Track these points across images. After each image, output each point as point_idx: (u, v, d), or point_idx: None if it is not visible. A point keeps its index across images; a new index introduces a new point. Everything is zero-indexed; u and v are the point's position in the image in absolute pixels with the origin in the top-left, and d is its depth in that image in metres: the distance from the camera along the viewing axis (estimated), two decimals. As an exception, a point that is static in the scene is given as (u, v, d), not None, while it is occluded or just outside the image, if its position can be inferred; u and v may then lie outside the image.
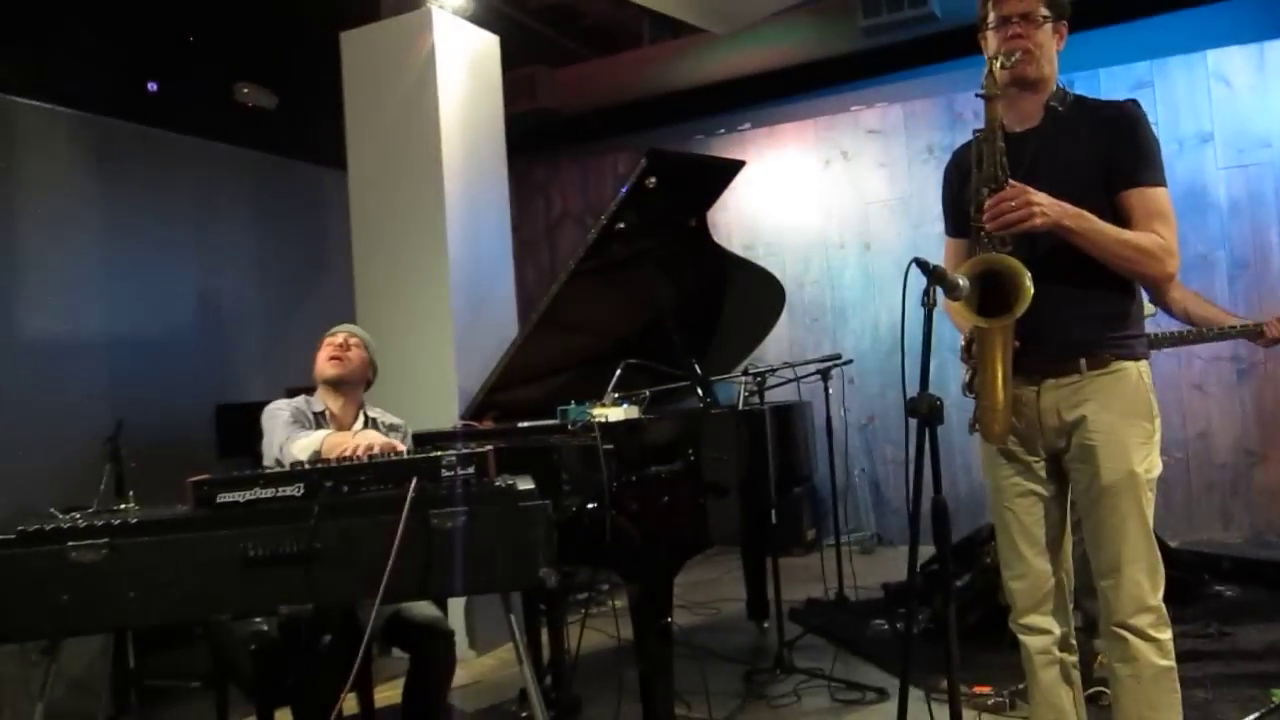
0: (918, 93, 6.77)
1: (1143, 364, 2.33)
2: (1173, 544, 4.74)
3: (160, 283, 5.92)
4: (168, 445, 5.43)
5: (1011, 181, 2.23)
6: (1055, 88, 2.37)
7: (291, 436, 3.00)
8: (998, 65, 2.26)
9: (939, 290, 2.14)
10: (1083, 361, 2.28)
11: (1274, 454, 5.83)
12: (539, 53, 6.87)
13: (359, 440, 2.73)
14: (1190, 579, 4.51)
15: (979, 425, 2.35)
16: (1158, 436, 2.32)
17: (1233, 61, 6.00)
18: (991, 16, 2.35)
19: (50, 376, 5.20)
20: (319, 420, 3.21)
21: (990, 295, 2.22)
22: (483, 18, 5.20)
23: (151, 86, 5.76)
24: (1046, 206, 2.17)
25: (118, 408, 4.96)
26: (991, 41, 2.35)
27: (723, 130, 7.46)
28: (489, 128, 5.18)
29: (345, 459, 2.53)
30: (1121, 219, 2.26)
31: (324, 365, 3.24)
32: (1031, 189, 2.20)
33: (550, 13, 6.75)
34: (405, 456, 2.43)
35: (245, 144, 6.53)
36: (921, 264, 2.13)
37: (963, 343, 2.45)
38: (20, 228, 5.18)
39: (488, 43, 5.22)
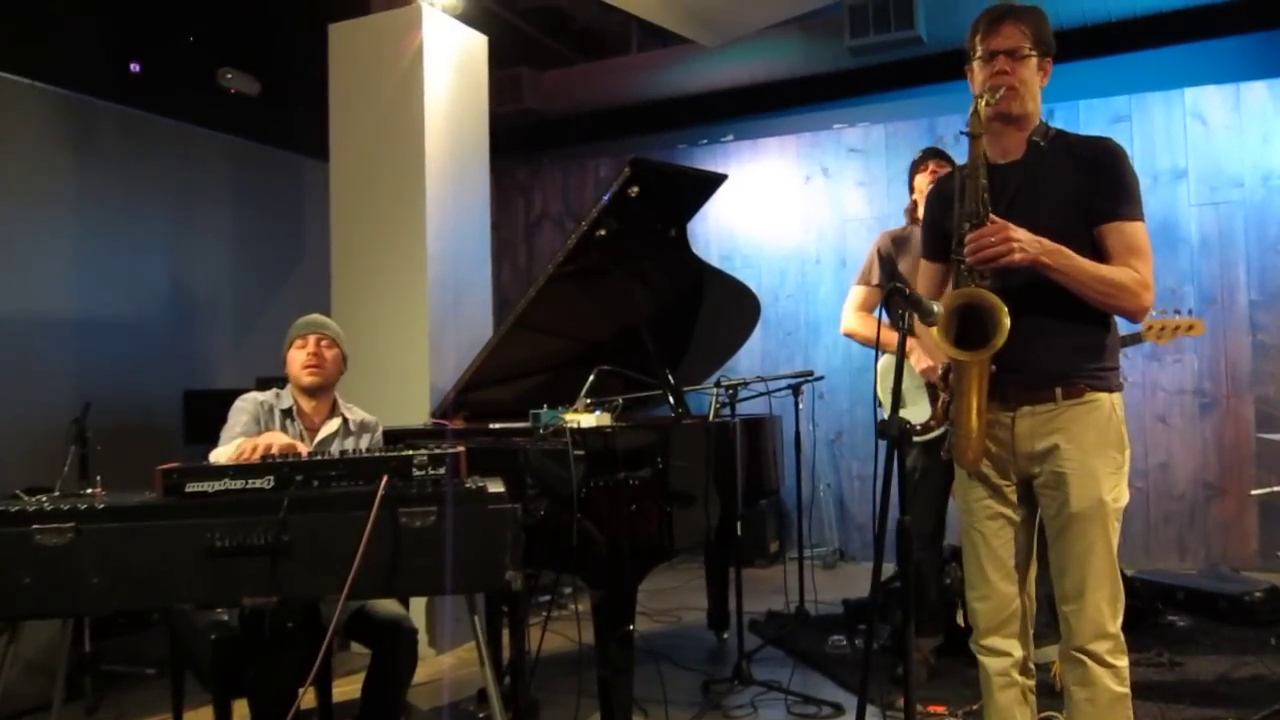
0: (900, 114, 6.84)
1: (1116, 396, 2.38)
2: (1129, 572, 4.81)
3: (134, 265, 5.87)
4: (134, 429, 5.40)
5: (993, 217, 2.27)
6: (1038, 123, 2.41)
7: (222, 445, 3.03)
8: (983, 104, 2.29)
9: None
10: (1058, 391, 2.33)
11: (1232, 488, 5.93)
12: (527, 54, 6.88)
13: (259, 441, 2.71)
14: (1144, 607, 4.58)
15: (953, 450, 2.39)
16: (1126, 467, 2.38)
17: (1210, 100, 6.10)
18: (979, 50, 2.38)
19: (18, 355, 5.14)
20: (286, 418, 3.20)
21: (968, 327, 2.26)
22: (472, 17, 5.20)
23: (134, 67, 5.71)
24: (1026, 243, 2.22)
25: (85, 389, 4.92)
26: (978, 74, 2.38)
27: (706, 141, 7.49)
28: (473, 126, 5.18)
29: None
30: (1100, 252, 2.31)
31: (300, 374, 3.20)
32: (1012, 225, 2.24)
33: (540, 15, 6.77)
34: (376, 454, 2.42)
35: (226, 129, 6.49)
36: (899, 290, 2.17)
37: (940, 370, 2.49)
38: (-6, 202, 5.14)
39: (476, 42, 5.22)
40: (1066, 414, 2.33)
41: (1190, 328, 3.88)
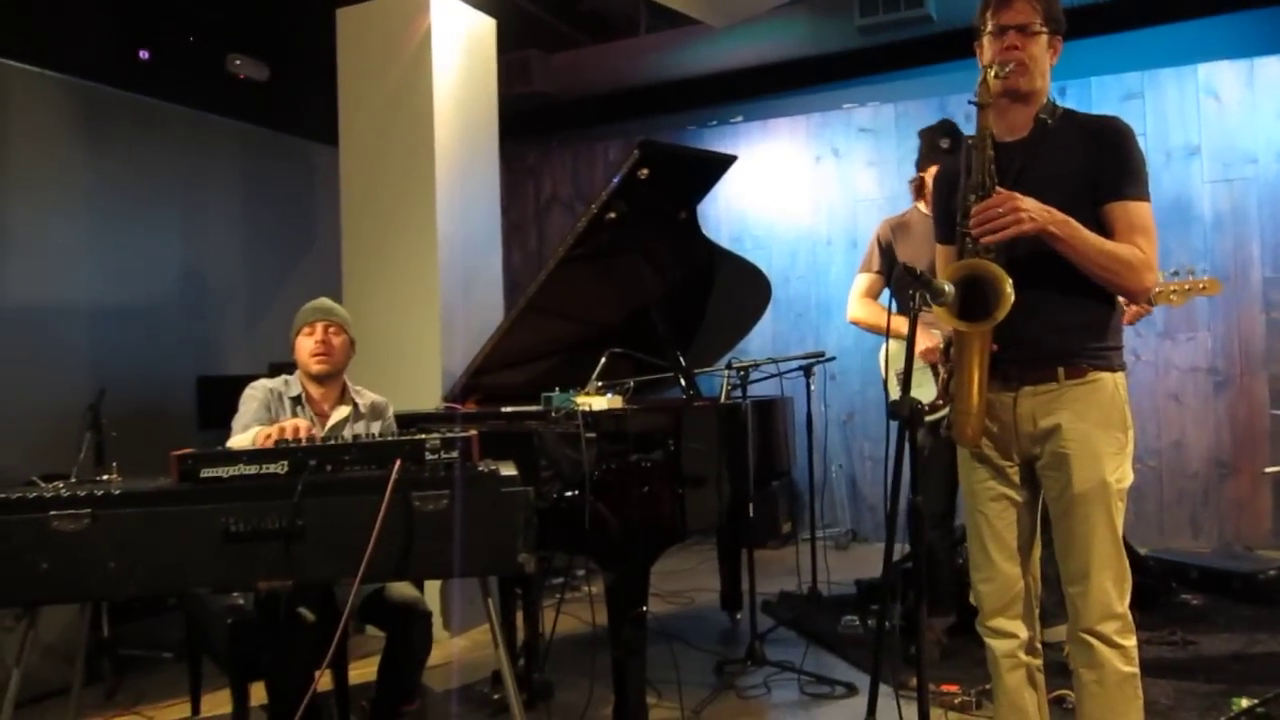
0: (910, 93, 6.80)
1: (1119, 375, 2.36)
2: (1142, 551, 4.81)
3: (146, 252, 5.89)
4: (148, 416, 5.42)
5: (999, 188, 2.26)
6: (1046, 100, 2.39)
7: (235, 432, 3.04)
8: (992, 74, 2.28)
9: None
10: (1060, 370, 2.32)
11: (1245, 466, 5.91)
12: (535, 37, 6.86)
13: (285, 425, 2.70)
14: (1158, 586, 4.58)
15: (953, 427, 2.39)
16: (1130, 448, 2.36)
17: (1223, 76, 6.05)
18: (989, 25, 2.36)
19: (32, 343, 5.17)
20: (296, 405, 3.20)
21: (971, 300, 2.25)
22: (480, 0, 5.19)
23: (144, 55, 5.71)
24: (1033, 211, 2.21)
25: (99, 376, 4.95)
26: (987, 50, 2.37)
27: (715, 122, 7.48)
28: (482, 110, 5.18)
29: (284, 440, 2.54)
30: (1104, 231, 2.29)
31: (309, 362, 3.20)
32: (1019, 195, 2.22)
33: (548, -3, 6.74)
34: (390, 438, 2.43)
35: (236, 116, 6.49)
36: (909, 270, 2.16)
37: (941, 345, 2.48)
38: (5, 191, 5.15)
39: (484, 25, 5.21)
40: (1069, 394, 2.32)
41: (1204, 287, 3.87)
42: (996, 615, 2.46)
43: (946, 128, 4.11)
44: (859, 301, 4.22)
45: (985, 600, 2.48)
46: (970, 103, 2.31)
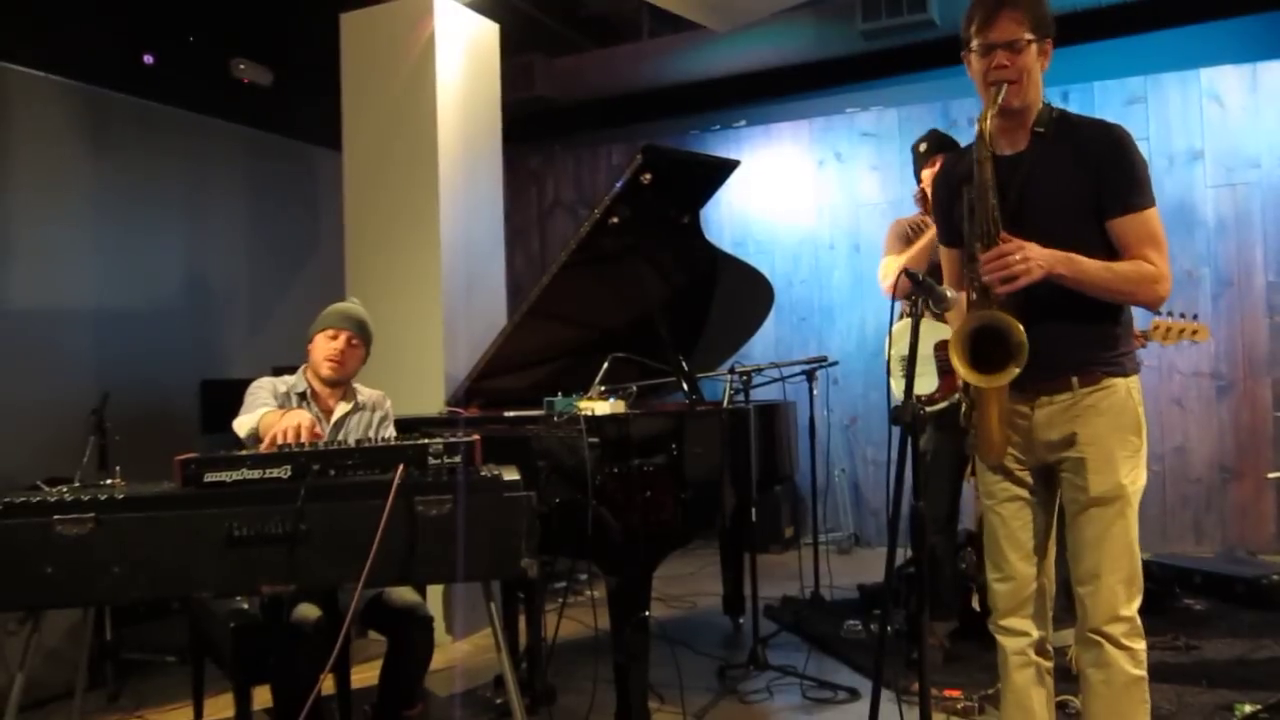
0: (913, 97, 6.81)
1: (1132, 379, 2.37)
2: (1145, 556, 4.79)
3: (149, 256, 5.89)
4: (151, 419, 5.42)
5: (1005, 235, 2.24)
6: (1041, 107, 2.36)
7: (241, 414, 3.05)
8: (989, 121, 2.26)
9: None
10: (1075, 379, 2.33)
11: (1249, 471, 5.90)
12: (538, 41, 6.87)
13: (287, 422, 2.68)
14: (1161, 591, 4.58)
15: (975, 449, 2.41)
16: (1144, 450, 2.37)
17: (1226, 80, 6.05)
18: (975, 42, 2.32)
19: (36, 347, 5.17)
20: (301, 401, 3.22)
21: (985, 343, 2.23)
22: (484, 5, 5.20)
23: (148, 59, 5.72)
24: (1039, 260, 2.20)
25: (103, 380, 4.95)
26: (975, 65, 2.34)
27: (718, 126, 7.48)
28: (486, 114, 5.19)
29: (287, 444, 2.53)
30: (1114, 245, 2.30)
31: (320, 364, 3.23)
32: (1028, 244, 2.21)
33: (551, 2, 6.75)
34: (392, 443, 2.44)
35: (239, 120, 6.50)
36: (911, 275, 2.16)
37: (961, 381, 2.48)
38: (9, 195, 5.15)
39: (488, 30, 5.23)
40: (1084, 401, 2.33)
41: (1195, 333, 3.97)
42: (1010, 615, 2.46)
43: (927, 136, 4.06)
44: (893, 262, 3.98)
45: (1000, 599, 2.48)
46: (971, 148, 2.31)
